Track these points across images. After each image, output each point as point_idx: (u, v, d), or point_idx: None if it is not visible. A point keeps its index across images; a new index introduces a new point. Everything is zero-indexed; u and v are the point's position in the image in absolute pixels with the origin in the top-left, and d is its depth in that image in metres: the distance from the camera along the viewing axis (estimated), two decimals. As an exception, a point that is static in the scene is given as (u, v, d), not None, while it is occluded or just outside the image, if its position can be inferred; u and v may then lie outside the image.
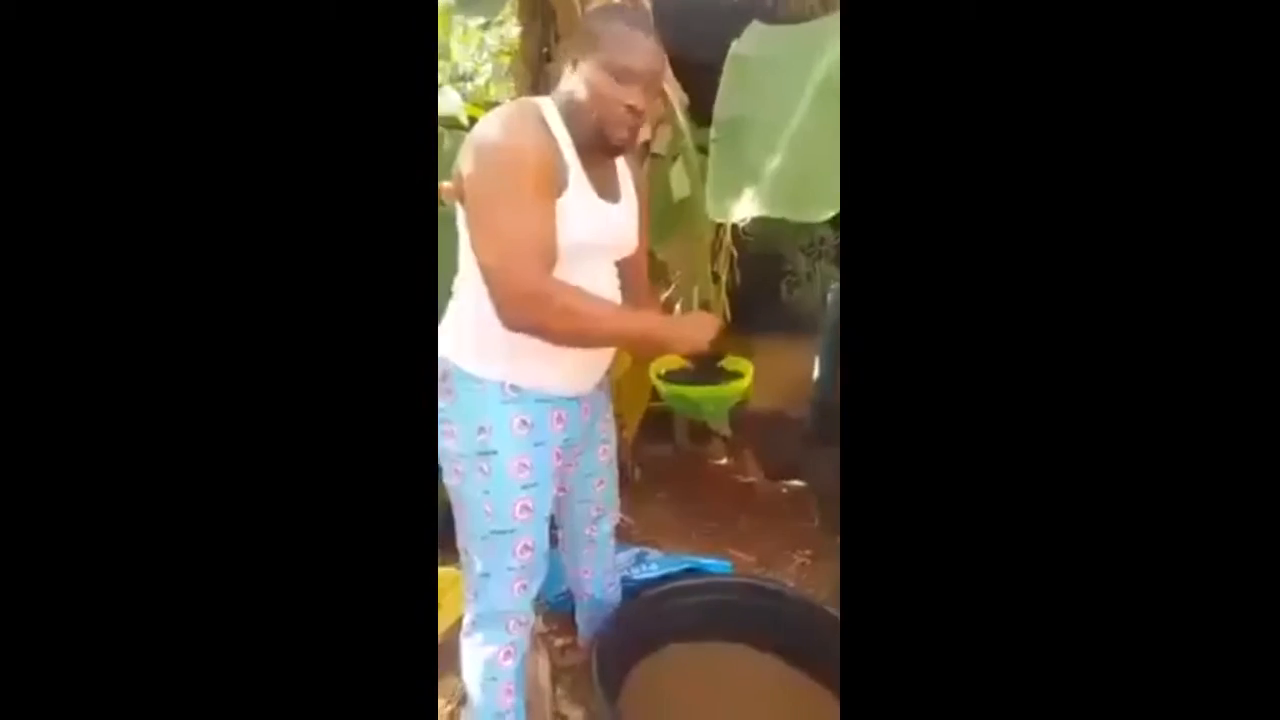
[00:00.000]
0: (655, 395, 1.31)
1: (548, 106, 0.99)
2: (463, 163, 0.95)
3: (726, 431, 2.03)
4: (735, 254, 1.81)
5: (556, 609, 1.65)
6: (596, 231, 1.00)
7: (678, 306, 1.83)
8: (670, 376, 1.15)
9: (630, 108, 0.96)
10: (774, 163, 1.05)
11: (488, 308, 0.97)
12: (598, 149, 0.99)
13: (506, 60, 2.83)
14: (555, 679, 1.51)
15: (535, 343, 0.96)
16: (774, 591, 1.58)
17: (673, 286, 1.85)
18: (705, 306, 1.85)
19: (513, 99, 2.01)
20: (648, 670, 1.38)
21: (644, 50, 0.96)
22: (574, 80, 0.98)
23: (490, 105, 2.03)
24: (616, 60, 0.94)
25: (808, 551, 1.85)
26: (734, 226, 1.74)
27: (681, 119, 1.35)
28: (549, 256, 0.94)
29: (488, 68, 3.70)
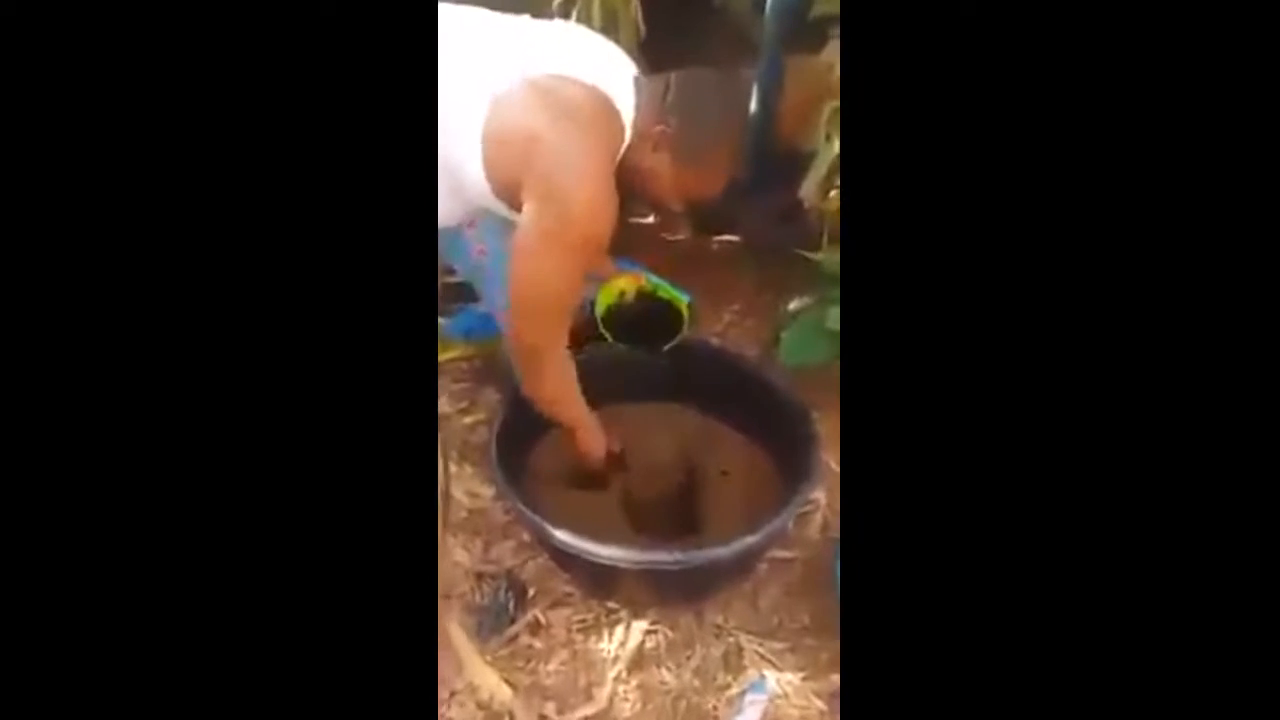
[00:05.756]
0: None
1: None
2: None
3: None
4: (646, -56, 1.42)
5: (473, 337, 1.53)
6: None
7: (572, 17, 1.47)
8: (610, 319, 1.20)
9: None
10: None
11: None
12: None
13: None
14: (448, 458, 1.37)
15: None
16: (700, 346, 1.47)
17: (568, -10, 1.47)
18: (612, 13, 1.50)
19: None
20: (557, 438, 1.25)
21: None
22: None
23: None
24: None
25: (735, 306, 1.69)
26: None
27: None
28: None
29: None
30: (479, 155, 0.86)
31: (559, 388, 1.02)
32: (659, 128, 0.91)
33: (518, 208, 0.88)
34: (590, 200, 0.82)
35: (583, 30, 1.02)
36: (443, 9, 0.98)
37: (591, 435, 1.11)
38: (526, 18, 1.01)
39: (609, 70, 0.92)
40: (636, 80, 0.94)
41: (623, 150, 0.92)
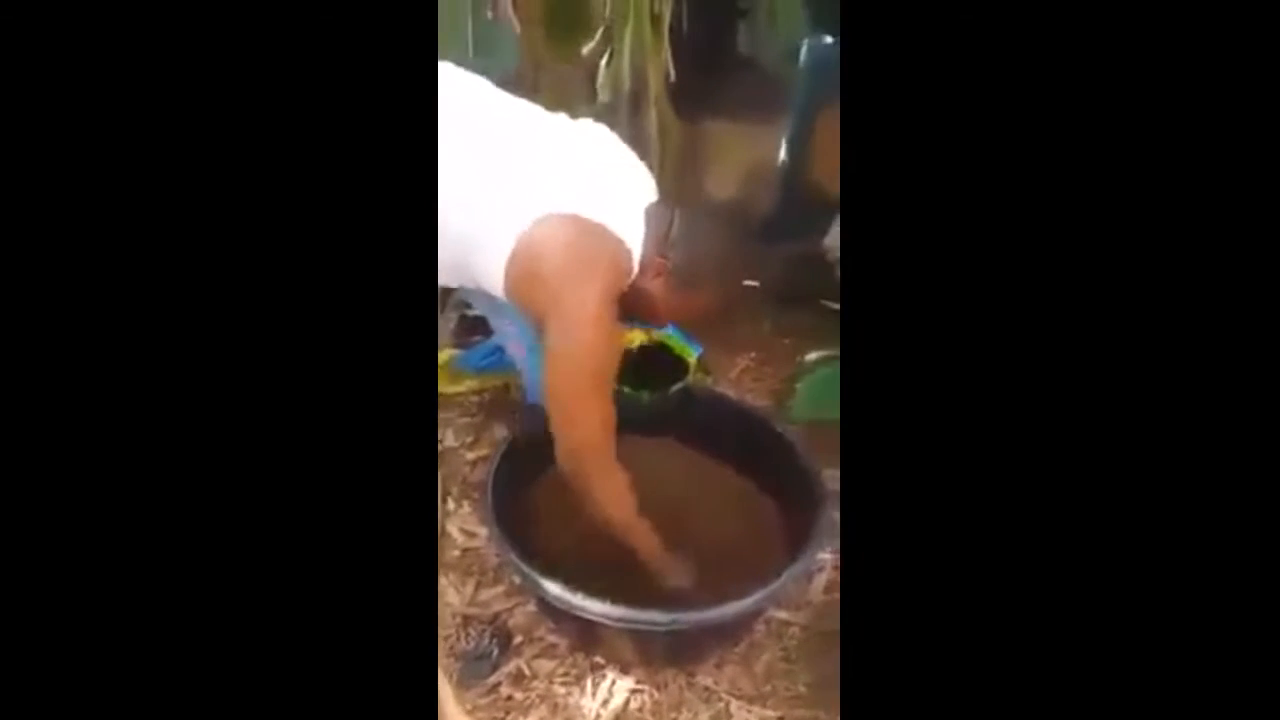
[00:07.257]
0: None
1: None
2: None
3: None
4: (678, -11, 1.43)
5: (486, 371, 1.52)
6: None
7: (602, 63, 1.48)
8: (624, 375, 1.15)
9: None
10: None
11: None
12: None
13: None
14: (447, 495, 1.35)
15: None
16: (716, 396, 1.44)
17: (599, 32, 1.48)
18: (639, 60, 1.51)
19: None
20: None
21: None
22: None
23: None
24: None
25: (751, 354, 1.66)
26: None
27: None
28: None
29: None
30: (500, 270, 0.97)
31: (615, 501, 1.02)
32: (658, 259, 1.01)
33: (529, 315, 1.01)
34: (597, 333, 0.95)
35: (608, 143, 1.08)
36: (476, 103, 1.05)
37: (664, 564, 1.05)
38: (562, 117, 1.07)
39: (628, 198, 1.02)
40: (647, 211, 1.03)
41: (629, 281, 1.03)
